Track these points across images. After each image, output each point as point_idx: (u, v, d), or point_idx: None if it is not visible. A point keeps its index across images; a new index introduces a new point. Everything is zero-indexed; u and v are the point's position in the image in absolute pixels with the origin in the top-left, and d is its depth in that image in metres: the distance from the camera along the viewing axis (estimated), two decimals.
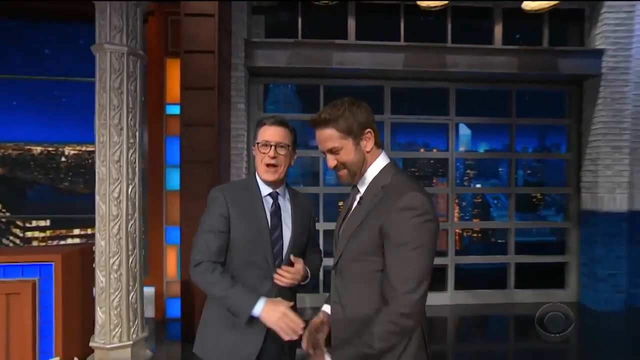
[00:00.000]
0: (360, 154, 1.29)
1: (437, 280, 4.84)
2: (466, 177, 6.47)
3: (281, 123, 1.51)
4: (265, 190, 1.53)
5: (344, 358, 1.22)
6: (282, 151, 1.48)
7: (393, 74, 4.56)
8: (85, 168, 4.40)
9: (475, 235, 6.22)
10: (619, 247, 4.58)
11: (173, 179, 4.28)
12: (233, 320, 1.39)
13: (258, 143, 1.49)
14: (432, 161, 5.92)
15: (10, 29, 4.09)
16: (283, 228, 1.51)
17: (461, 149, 5.24)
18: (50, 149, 4.30)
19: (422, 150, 6.43)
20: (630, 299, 4.61)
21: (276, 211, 1.52)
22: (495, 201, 6.84)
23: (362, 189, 1.32)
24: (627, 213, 4.58)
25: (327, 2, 4.05)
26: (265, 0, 4.49)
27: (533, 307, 4.78)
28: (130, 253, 2.08)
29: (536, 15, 4.31)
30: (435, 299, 4.74)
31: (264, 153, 1.46)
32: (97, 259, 2.07)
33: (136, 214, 2.12)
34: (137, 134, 2.17)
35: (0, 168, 4.24)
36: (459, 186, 5.34)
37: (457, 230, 5.23)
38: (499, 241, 6.08)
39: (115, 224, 2.04)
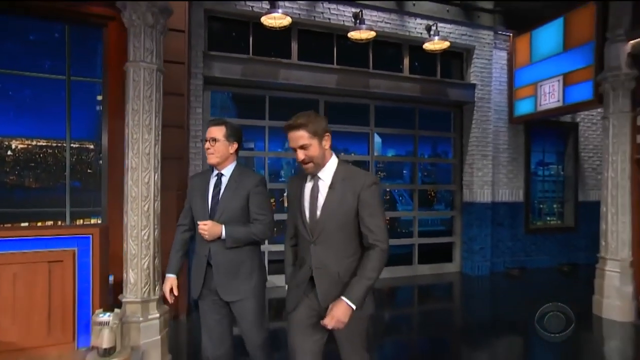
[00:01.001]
0: (322, 150, 1.74)
1: None
2: (379, 177, 7.77)
3: (215, 123, 2.05)
4: (214, 173, 2.07)
5: (356, 295, 1.62)
6: (213, 143, 2.00)
7: (327, 90, 5.55)
8: (35, 162, 4.42)
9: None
10: (486, 228, 6.27)
11: None
12: (195, 263, 2.08)
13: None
14: (350, 163, 7.04)
15: None
16: (220, 199, 2.02)
17: (375, 154, 6.47)
18: None
19: (342, 154, 7.50)
20: (492, 266, 6.32)
21: (217, 186, 2.04)
22: (401, 198, 8.31)
23: (328, 179, 1.76)
24: (490, 203, 6.30)
25: (275, 27, 4.86)
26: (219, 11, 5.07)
27: (431, 277, 6.22)
28: (155, 226, 2.60)
29: (433, 53, 5.75)
30: None
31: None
32: (129, 232, 2.52)
33: (159, 195, 2.65)
34: (160, 132, 2.69)
35: None
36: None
37: None
38: (404, 230, 7.48)
39: (145, 203, 2.53)
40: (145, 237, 2.54)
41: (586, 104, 5.23)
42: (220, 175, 2.08)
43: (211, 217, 2.01)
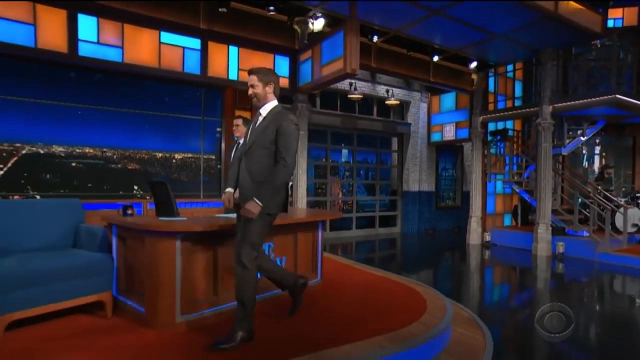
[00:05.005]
0: (264, 92, 2.53)
1: (348, 224, 10.19)
2: (347, 175, 11.96)
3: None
4: None
5: (262, 197, 2.38)
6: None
7: (334, 126, 9.59)
8: (185, 166, 7.73)
9: (347, 206, 11.68)
10: (415, 206, 10.93)
11: None
12: None
13: None
14: (325, 167, 11.13)
15: (146, 86, 7.19)
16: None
17: (343, 160, 10.67)
18: (167, 154, 7.49)
19: (324, 160, 11.53)
20: (418, 228, 11.02)
21: None
22: (359, 190, 12.66)
23: (264, 112, 2.56)
24: (418, 192, 10.98)
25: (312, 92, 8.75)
26: None
27: (385, 235, 10.65)
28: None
29: (390, 105, 10.16)
30: (346, 233, 10.03)
31: None
32: (300, 198, 6.31)
33: (303, 177, 6.49)
34: (305, 155, 6.51)
35: (138, 165, 7.20)
36: (342, 178, 10.84)
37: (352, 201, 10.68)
38: (366, 209, 11.70)
39: (301, 185, 6.36)
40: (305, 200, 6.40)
41: (465, 140, 10.13)
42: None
43: None
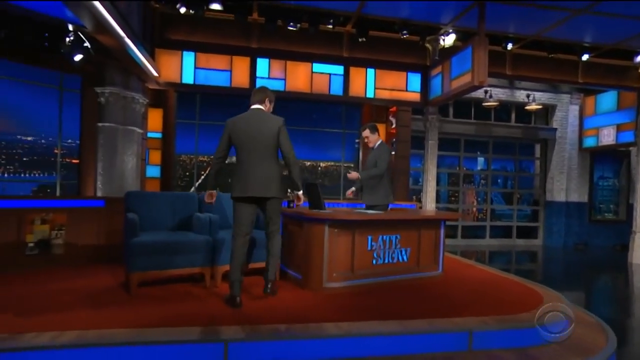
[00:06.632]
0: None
1: (482, 233, 10.03)
2: (483, 183, 11.64)
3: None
4: None
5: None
6: None
7: (467, 134, 9.65)
8: (328, 172, 9.05)
9: (482, 215, 11.30)
10: (560, 218, 9.99)
11: None
12: None
13: None
14: (458, 175, 10.95)
15: (298, 106, 8.65)
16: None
17: (478, 168, 10.41)
18: (313, 163, 8.92)
19: (457, 168, 11.48)
20: (565, 240, 10.02)
21: None
22: (495, 198, 12.15)
23: None
24: (564, 202, 10.00)
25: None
26: None
27: (524, 246, 10.05)
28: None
29: (530, 110, 9.63)
30: (479, 241, 9.88)
31: None
32: (429, 203, 6.87)
33: (432, 186, 6.99)
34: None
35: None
36: (479, 187, 10.57)
37: (481, 209, 10.42)
38: (502, 219, 11.21)
39: (432, 191, 6.88)
40: (435, 206, 6.88)
41: (630, 144, 8.85)
42: None
43: None
